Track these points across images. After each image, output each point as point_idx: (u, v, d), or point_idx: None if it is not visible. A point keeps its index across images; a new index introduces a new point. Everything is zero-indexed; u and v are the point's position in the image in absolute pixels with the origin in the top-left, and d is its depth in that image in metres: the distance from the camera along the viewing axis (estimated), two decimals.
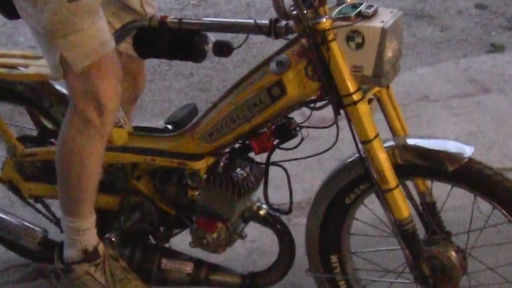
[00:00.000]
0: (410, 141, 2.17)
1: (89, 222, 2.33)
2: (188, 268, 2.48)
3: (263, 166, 2.32)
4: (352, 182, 2.23)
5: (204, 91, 4.16)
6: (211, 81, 4.26)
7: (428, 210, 2.27)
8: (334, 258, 2.38)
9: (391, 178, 2.06)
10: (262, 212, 2.44)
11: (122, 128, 2.40)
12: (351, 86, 2.01)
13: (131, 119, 2.56)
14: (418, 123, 3.65)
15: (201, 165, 2.31)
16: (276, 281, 2.50)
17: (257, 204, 2.44)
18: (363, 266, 2.49)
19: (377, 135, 2.05)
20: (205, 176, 2.33)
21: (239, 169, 2.35)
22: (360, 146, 2.08)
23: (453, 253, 2.21)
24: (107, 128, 2.19)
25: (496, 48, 4.67)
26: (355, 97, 2.01)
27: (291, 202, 2.32)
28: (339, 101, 2.05)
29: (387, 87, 2.18)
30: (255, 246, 2.92)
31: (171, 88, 4.30)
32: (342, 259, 2.38)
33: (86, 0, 2.02)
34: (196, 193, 2.35)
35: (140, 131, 2.47)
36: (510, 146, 3.51)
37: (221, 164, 2.33)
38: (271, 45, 4.26)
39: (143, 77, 2.56)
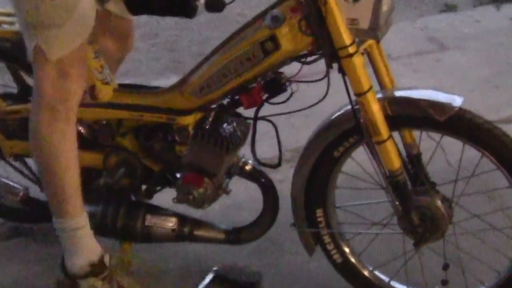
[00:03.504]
0: (400, 93, 2.21)
1: (81, 219, 2.28)
2: (172, 223, 2.48)
3: (250, 121, 2.34)
4: (342, 135, 2.25)
5: (171, 51, 4.12)
6: (177, 41, 4.23)
7: (414, 162, 2.31)
8: (319, 212, 2.40)
9: (384, 129, 2.10)
10: (248, 167, 2.45)
11: (108, 85, 2.38)
12: (346, 39, 2.03)
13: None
14: None
15: (189, 120, 2.31)
16: (259, 235, 2.52)
17: (243, 159, 2.45)
18: (347, 220, 2.51)
19: (371, 87, 2.08)
20: (192, 131, 2.32)
21: (226, 124, 2.36)
22: (352, 98, 2.11)
23: (439, 203, 2.25)
24: (73, 113, 2.19)
25: (449, 7, 4.75)
26: (351, 49, 2.04)
27: (280, 156, 2.34)
28: (333, 55, 2.07)
29: (377, 42, 2.21)
30: (230, 201, 2.92)
31: (137, 48, 4.23)
32: (327, 213, 2.40)
33: None
34: (184, 148, 2.35)
35: (123, 88, 2.45)
36: (469, 101, 3.49)
37: (210, 119, 2.33)
38: (239, 6, 4.27)
39: (132, 38, 2.53)
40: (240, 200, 2.90)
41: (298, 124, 3.08)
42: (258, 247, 2.71)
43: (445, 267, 2.34)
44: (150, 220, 2.48)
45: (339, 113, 2.25)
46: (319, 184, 2.36)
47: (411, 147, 2.31)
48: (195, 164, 2.36)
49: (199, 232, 2.50)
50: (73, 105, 2.17)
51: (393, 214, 2.30)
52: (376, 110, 2.09)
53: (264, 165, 2.41)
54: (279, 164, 2.35)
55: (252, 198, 2.66)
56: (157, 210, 2.51)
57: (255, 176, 2.47)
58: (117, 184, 2.46)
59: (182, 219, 2.50)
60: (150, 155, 2.43)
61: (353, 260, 2.47)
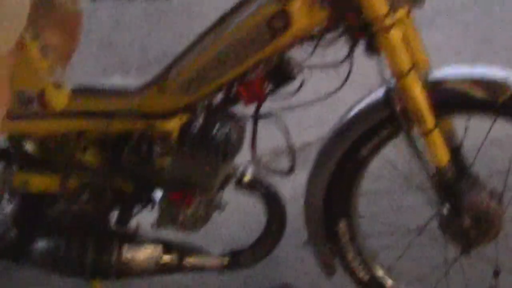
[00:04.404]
0: (440, 73, 1.82)
1: None
2: (156, 253, 2.02)
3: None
4: (372, 129, 1.84)
5: (110, 48, 3.59)
6: (116, 37, 3.68)
7: (456, 154, 1.89)
8: (342, 224, 1.99)
9: (429, 116, 1.72)
10: (247, 176, 1.99)
11: (61, 89, 1.88)
12: (382, 7, 1.63)
13: None
14: None
15: (173, 125, 1.85)
16: (263, 257, 2.08)
17: (241, 167, 1.99)
18: (372, 229, 2.10)
19: (413, 66, 1.69)
20: (177, 138, 1.87)
21: (218, 125, 1.89)
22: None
23: (488, 199, 1.86)
24: None
25: None
26: (388, 20, 1.64)
27: (293, 160, 1.88)
28: (362, 29, 1.67)
29: (408, 14, 1.79)
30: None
31: None
32: (351, 224, 1.99)
33: None
34: (167, 161, 1.88)
35: (81, 91, 1.95)
36: None
37: (199, 120, 1.86)
38: None
39: (81, 27, 2.02)
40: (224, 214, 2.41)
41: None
42: (257, 269, 2.21)
43: (496, 273, 1.99)
44: (128, 251, 2.01)
45: (366, 102, 1.83)
46: (343, 190, 1.94)
47: (450, 137, 1.88)
48: (183, 179, 1.91)
49: (189, 261, 2.05)
50: None
51: (431, 219, 1.93)
52: (420, 93, 1.71)
53: (273, 172, 1.95)
54: (292, 170, 1.89)
55: (235, 210, 2.19)
56: (135, 239, 2.04)
57: (257, 186, 2.01)
58: (81, 211, 1.99)
59: (168, 246, 2.04)
60: (120, 173, 1.96)
61: (383, 276, 2.07)
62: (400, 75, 1.67)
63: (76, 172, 1.96)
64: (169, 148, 1.86)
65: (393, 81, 1.71)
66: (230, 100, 1.83)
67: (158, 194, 2.00)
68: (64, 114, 1.88)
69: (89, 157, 1.95)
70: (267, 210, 2.03)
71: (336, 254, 2.02)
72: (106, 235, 2.03)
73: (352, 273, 2.05)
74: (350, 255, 2.02)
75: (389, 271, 2.06)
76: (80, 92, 1.92)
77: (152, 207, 2.01)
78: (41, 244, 2.03)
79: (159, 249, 2.02)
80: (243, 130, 1.92)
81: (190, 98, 1.80)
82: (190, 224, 1.95)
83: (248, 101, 1.80)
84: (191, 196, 1.91)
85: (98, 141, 1.94)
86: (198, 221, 1.96)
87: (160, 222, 1.97)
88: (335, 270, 2.04)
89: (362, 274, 2.04)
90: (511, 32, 3.60)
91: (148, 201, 2.01)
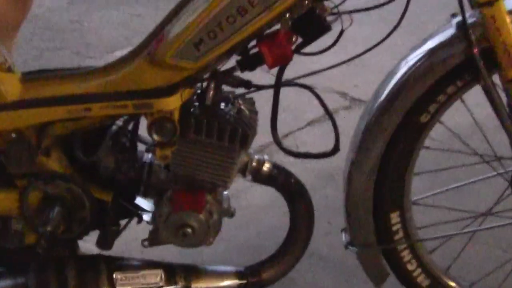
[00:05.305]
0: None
1: None
2: (158, 278, 1.60)
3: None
4: (439, 82, 1.44)
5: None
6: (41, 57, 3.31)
7: None
8: (395, 217, 1.59)
9: None
10: (266, 167, 1.56)
11: (11, 72, 1.45)
12: None
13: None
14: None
15: (173, 104, 1.41)
16: (289, 268, 1.67)
17: (256, 156, 1.56)
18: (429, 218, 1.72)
19: None
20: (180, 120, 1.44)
21: (226, 102, 1.47)
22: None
23: None
24: None
25: None
26: None
27: (337, 137, 1.45)
28: None
29: None
30: None
31: None
32: (405, 216, 1.59)
33: None
34: (169, 152, 1.46)
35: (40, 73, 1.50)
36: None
37: (209, 95, 1.42)
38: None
39: None
40: None
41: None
42: None
43: None
44: (121, 280, 1.59)
45: (431, 46, 1.44)
46: (395, 173, 1.54)
47: None
48: (191, 175, 1.48)
49: (199, 284, 1.63)
50: None
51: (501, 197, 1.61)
52: (510, 25, 1.31)
53: (307, 156, 1.53)
54: (336, 149, 1.46)
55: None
56: (127, 263, 1.63)
57: (277, 178, 1.58)
58: (50, 235, 1.53)
59: (170, 269, 1.62)
60: (97, 177, 1.53)
61: (444, 278, 1.67)
62: (487, 3, 1.30)
63: (39, 182, 1.52)
64: (172, 134, 1.44)
65: (472, 13, 1.34)
66: (248, 63, 1.40)
67: (142, 202, 1.58)
68: (24, 103, 1.43)
69: (54, 161, 1.51)
70: (290, 206, 1.62)
71: (389, 255, 1.63)
72: (89, 261, 1.61)
73: (407, 279, 1.65)
74: (406, 256, 1.63)
75: (448, 270, 1.68)
76: (39, 74, 1.47)
77: (140, 220, 1.59)
78: (2, 285, 1.62)
79: (159, 274, 1.61)
80: (253, 105, 1.53)
81: (195, 66, 1.37)
82: (201, 235, 1.52)
83: (273, 62, 1.38)
84: (201, 197, 1.49)
85: (64, 138, 1.51)
86: (212, 231, 1.53)
87: (158, 237, 1.55)
88: (387, 276, 1.65)
89: (421, 279, 1.65)
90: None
91: (133, 212, 1.58)
